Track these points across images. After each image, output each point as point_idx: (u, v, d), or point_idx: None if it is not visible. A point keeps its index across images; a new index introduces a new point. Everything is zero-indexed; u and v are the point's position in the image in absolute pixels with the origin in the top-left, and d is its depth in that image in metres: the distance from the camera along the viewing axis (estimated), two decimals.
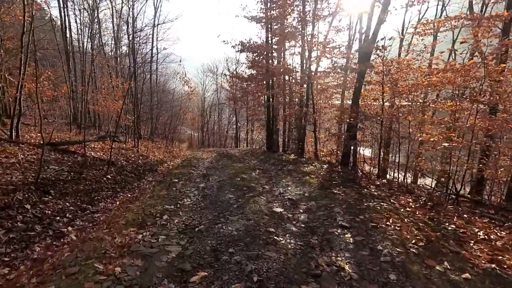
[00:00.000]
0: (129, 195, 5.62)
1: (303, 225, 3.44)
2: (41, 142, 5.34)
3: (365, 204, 4.15)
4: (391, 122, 6.09)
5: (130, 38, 12.91)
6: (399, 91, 5.60)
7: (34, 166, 4.99)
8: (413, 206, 4.36)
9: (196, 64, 63.21)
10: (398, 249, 2.72)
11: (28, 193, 4.07)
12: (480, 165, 5.08)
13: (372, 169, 9.30)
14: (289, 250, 2.74)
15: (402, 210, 4.04)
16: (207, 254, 2.61)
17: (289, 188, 5.23)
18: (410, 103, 6.06)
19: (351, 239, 2.99)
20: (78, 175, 5.24)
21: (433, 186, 6.89)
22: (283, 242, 2.90)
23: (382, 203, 4.28)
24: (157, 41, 22.23)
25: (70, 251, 2.81)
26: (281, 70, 9.29)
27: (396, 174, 7.55)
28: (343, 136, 9.72)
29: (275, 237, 2.98)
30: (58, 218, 3.85)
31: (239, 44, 9.02)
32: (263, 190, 5.06)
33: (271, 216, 3.67)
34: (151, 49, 21.42)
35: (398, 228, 3.28)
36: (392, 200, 4.56)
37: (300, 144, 11.17)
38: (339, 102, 11.43)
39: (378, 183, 6.16)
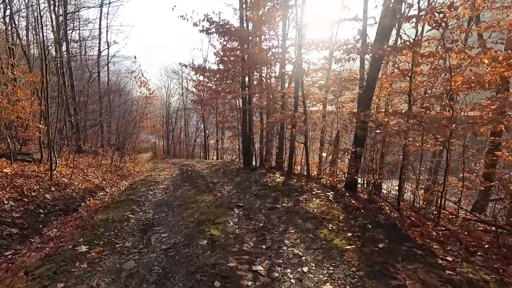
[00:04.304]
0: None
1: None
2: None
3: None
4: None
5: (55, 20, 9.42)
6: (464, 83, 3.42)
7: None
8: None
9: (160, 67, 58.77)
10: None
11: None
12: None
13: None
14: None
15: None
16: None
17: (306, 271, 2.66)
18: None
19: None
20: None
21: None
22: None
23: None
24: (107, 31, 18.55)
25: None
26: (267, 57, 6.69)
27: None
28: (350, 151, 7.50)
29: None
30: None
31: (204, 19, 6.20)
32: (257, 283, 2.41)
33: None
34: (99, 40, 17.69)
35: None
36: None
37: (283, 159, 8.79)
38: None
39: (435, 233, 3.88)
